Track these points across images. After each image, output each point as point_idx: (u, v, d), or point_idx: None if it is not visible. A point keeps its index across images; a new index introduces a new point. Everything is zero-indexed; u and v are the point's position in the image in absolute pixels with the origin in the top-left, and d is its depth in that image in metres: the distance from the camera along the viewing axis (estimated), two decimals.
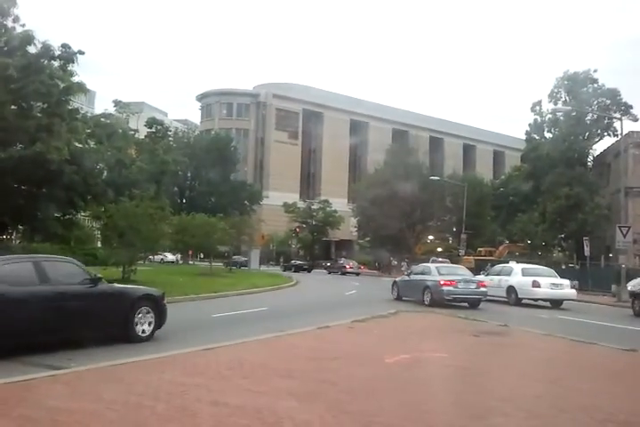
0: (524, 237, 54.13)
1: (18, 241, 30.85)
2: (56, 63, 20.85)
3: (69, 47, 20.81)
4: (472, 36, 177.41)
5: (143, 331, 10.64)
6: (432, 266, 23.90)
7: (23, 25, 19.87)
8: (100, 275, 10.68)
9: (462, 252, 52.30)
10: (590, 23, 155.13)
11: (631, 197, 41.74)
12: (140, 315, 10.65)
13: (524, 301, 23.39)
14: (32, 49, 20.08)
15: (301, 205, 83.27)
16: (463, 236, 51.83)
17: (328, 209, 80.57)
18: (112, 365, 7.70)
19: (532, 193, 51.49)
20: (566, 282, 24.12)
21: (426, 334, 12.58)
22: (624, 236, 28.26)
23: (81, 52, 20.89)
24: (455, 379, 7.85)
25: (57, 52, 20.55)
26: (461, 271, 23.06)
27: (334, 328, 12.33)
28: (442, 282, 20.79)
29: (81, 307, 9.78)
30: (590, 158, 52.53)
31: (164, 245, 29.80)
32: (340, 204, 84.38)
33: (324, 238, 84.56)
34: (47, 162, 17.72)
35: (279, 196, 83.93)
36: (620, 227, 28.92)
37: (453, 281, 20.87)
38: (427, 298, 21.08)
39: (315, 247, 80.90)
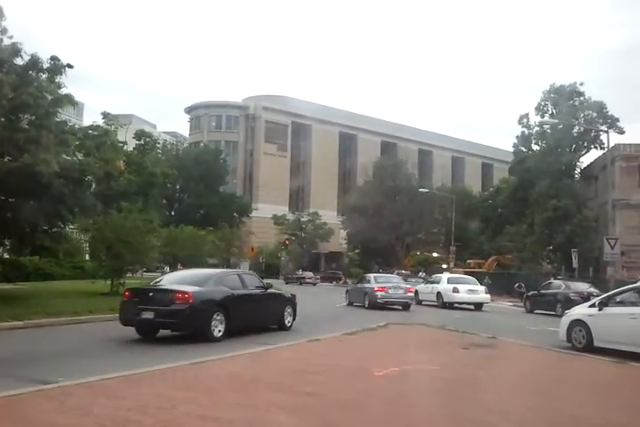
0: (512, 250, 54.29)
1: (5, 254, 30.59)
2: (44, 75, 20.80)
3: (58, 59, 20.72)
4: (461, 49, 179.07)
5: (287, 322, 15.64)
6: (372, 276, 28.04)
7: (11, 37, 19.83)
8: (268, 283, 15.86)
9: (452, 264, 52.39)
10: (576, 35, 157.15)
11: (618, 209, 41.97)
12: (287, 311, 15.71)
13: (451, 304, 27.60)
14: (19, 61, 20.03)
15: (291, 217, 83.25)
16: (452, 248, 51.94)
17: (317, 221, 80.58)
18: (101, 379, 7.63)
19: (520, 205, 51.73)
20: (482, 288, 28.86)
21: (415, 346, 12.56)
22: (612, 247, 28.36)
23: (70, 66, 20.83)
24: (445, 392, 7.84)
25: (45, 65, 20.50)
26: (395, 280, 27.58)
27: (324, 341, 12.31)
28: (376, 288, 25.11)
29: (262, 304, 14.79)
30: (577, 171, 52.89)
31: (152, 257, 29.66)
32: (330, 216, 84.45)
33: (314, 251, 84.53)
34: (36, 174, 17.62)
35: (268, 208, 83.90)
36: (607, 239, 29.04)
37: (385, 287, 25.20)
38: (366, 302, 25.13)
39: (304, 260, 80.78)
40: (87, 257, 35.24)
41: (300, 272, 59.87)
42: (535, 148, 52.81)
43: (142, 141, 56.06)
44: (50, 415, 5.93)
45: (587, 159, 53.00)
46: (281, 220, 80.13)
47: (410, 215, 59.04)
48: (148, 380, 7.77)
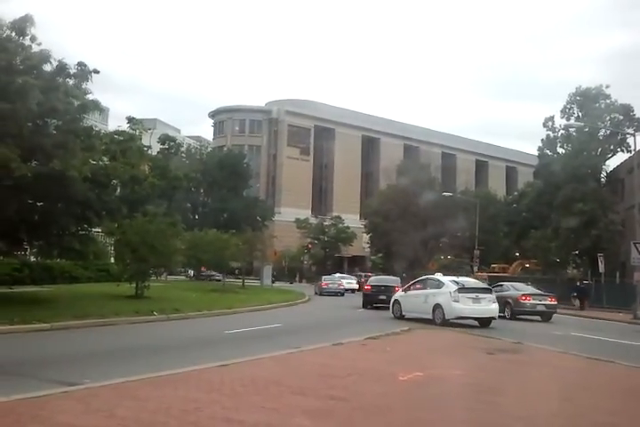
0: (537, 254, 53.71)
1: (32, 257, 31.04)
2: (71, 81, 21.08)
3: (85, 65, 20.99)
4: (485, 52, 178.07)
5: None
6: (324, 277, 45.76)
7: (40, 44, 20.14)
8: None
9: (475, 268, 52.03)
10: (602, 36, 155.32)
11: None
12: None
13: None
14: (47, 67, 20.33)
15: (313, 221, 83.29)
16: (476, 252, 51.58)
17: (340, 225, 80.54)
18: (126, 381, 7.70)
19: (545, 209, 51.18)
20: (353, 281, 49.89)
21: (439, 351, 12.50)
22: (639, 252, 27.99)
23: (96, 71, 21.09)
24: (469, 397, 7.78)
25: (72, 71, 20.79)
26: (332, 278, 44.98)
27: (347, 345, 12.28)
28: (322, 284, 42.76)
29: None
30: (603, 174, 52.20)
31: (177, 260, 29.90)
32: (352, 220, 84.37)
33: (337, 254, 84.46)
34: (64, 178, 17.87)
35: (291, 212, 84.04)
36: (634, 243, 28.64)
37: (327, 282, 43.14)
38: (317, 291, 42.27)
39: (327, 263, 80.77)
40: (112, 260, 35.63)
41: (209, 271, 59.56)
42: (560, 151, 52.20)
43: (166, 146, 56.63)
44: (75, 417, 5.99)
45: (613, 162, 52.36)
46: (303, 223, 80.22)
47: (433, 219, 58.65)
48: (173, 382, 7.81)
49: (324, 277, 45.00)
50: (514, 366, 10.82)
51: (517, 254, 61.37)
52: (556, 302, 25.49)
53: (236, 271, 50.36)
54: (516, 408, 7.23)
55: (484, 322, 19.59)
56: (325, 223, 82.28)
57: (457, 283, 19.91)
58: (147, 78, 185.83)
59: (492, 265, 58.34)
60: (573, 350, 12.87)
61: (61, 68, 20.30)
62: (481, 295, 19.40)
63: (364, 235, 74.14)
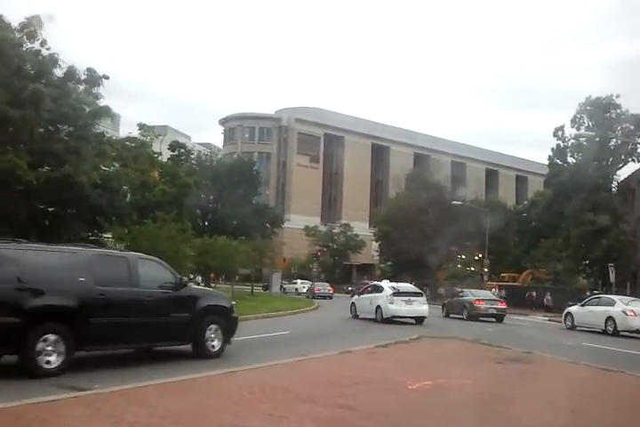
0: (547, 263, 53.46)
1: None
2: (82, 87, 21.22)
3: (94, 71, 21.14)
4: (495, 61, 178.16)
5: None
6: (316, 282, 54.63)
7: (49, 48, 20.31)
8: None
9: (485, 277, 51.80)
10: (612, 45, 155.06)
11: None
12: None
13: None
14: (58, 72, 20.47)
15: (323, 228, 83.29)
16: (486, 261, 51.36)
17: (349, 233, 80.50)
18: (135, 387, 7.70)
19: (555, 219, 50.97)
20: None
21: (448, 360, 12.44)
22: None
23: (105, 77, 21.25)
24: (478, 406, 7.73)
25: (82, 76, 20.92)
26: (323, 285, 52.41)
27: (356, 353, 12.23)
28: (315, 289, 49.44)
29: None
30: (614, 184, 51.96)
31: (186, 267, 29.88)
32: (362, 228, 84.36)
33: (346, 262, 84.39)
34: (75, 184, 17.98)
35: (300, 219, 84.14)
36: None
37: (319, 288, 49.78)
38: (309, 295, 48.06)
39: (336, 271, 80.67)
40: None
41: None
42: (571, 160, 52.06)
43: (177, 152, 56.82)
44: (85, 422, 6.01)
45: (624, 172, 52.16)
46: (313, 231, 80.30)
47: (443, 228, 58.52)
48: (182, 388, 7.82)
49: (315, 282, 56.53)
50: (524, 376, 10.75)
51: (528, 264, 61.06)
52: (505, 306, 28.61)
53: (237, 278, 50.24)
54: (526, 418, 7.18)
55: (418, 320, 22.94)
56: (334, 231, 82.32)
57: (393, 288, 23.57)
58: (158, 85, 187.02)
59: (502, 274, 58.07)
60: (583, 360, 12.76)
61: (71, 74, 20.46)
62: (413, 298, 23.05)
63: (374, 243, 74.12)
